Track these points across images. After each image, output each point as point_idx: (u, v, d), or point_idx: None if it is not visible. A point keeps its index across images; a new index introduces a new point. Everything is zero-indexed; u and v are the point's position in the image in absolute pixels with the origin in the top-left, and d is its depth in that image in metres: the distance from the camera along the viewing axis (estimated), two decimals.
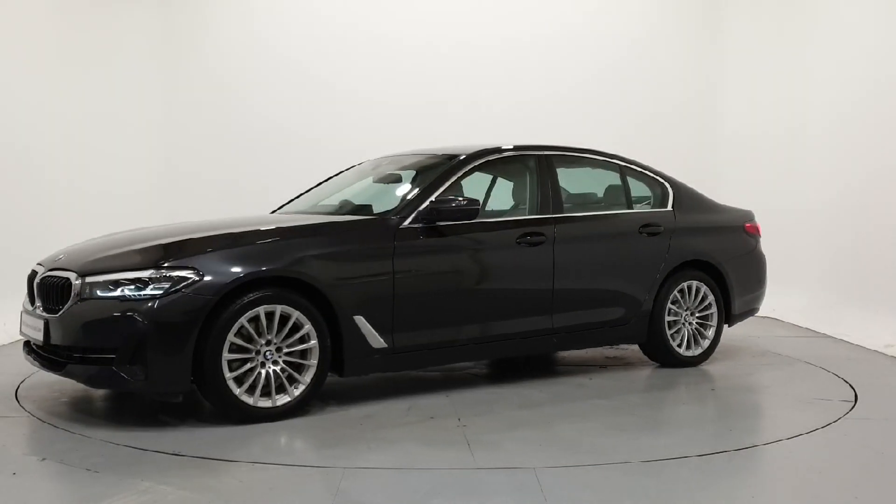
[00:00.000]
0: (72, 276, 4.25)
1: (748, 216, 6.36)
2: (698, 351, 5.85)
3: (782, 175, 8.73)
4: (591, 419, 4.40)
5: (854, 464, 3.83)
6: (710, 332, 5.90)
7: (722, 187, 8.07)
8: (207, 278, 4.07)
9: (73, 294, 4.18)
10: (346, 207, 5.27)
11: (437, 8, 9.19)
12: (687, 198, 6.02)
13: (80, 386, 4.98)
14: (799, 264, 8.11)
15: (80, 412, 4.49)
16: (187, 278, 4.06)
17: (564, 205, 5.42)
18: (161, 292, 4.02)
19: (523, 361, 6.10)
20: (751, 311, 6.28)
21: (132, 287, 4.06)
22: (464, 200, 4.78)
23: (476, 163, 5.22)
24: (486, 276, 5.00)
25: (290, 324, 4.27)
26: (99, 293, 4.10)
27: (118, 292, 4.06)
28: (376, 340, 4.57)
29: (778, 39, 8.97)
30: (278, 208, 5.85)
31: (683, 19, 9.42)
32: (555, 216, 5.29)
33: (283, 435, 4.08)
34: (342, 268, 4.47)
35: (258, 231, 4.48)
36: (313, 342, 4.34)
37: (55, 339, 4.24)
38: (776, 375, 5.63)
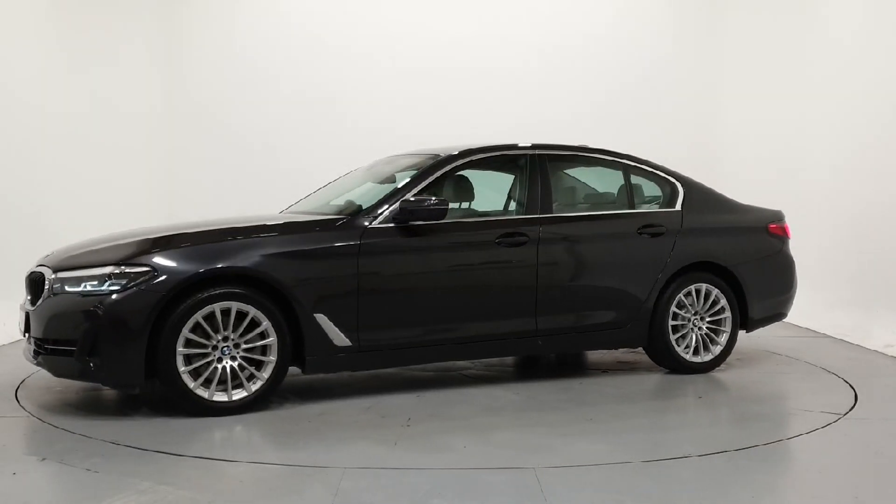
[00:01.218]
0: (47, 271, 4.50)
1: (773, 217, 6.06)
2: (708, 357, 5.59)
3: (781, 175, 8.72)
4: (544, 424, 4.31)
5: (854, 464, 3.83)
6: (723, 338, 5.63)
7: (721, 187, 8.06)
8: (162, 275, 4.25)
9: (45, 289, 4.45)
10: (350, 208, 5.27)
11: (445, 10, 9.21)
12: (700, 197, 5.80)
13: (80, 386, 5.03)
14: (799, 264, 8.11)
15: (80, 412, 4.50)
16: (142, 275, 4.25)
17: (555, 205, 5.35)
18: (118, 288, 4.23)
19: (554, 362, 6.08)
20: (776, 316, 5.99)
21: (94, 283, 4.28)
22: (434, 201, 4.79)
23: (456, 163, 5.19)
24: (460, 276, 4.98)
25: (246, 320, 4.38)
26: (67, 288, 4.35)
27: (81, 288, 4.31)
28: (340, 339, 4.62)
29: (778, 39, 8.97)
30: (287, 208, 5.86)
31: (684, 19, 9.42)
32: (541, 216, 5.21)
33: (221, 429, 4.17)
34: (303, 266, 4.54)
35: (217, 230, 4.65)
36: (271, 339, 4.43)
37: (33, 331, 4.49)
38: (776, 376, 5.62)
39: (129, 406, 4.65)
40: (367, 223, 4.77)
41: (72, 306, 4.30)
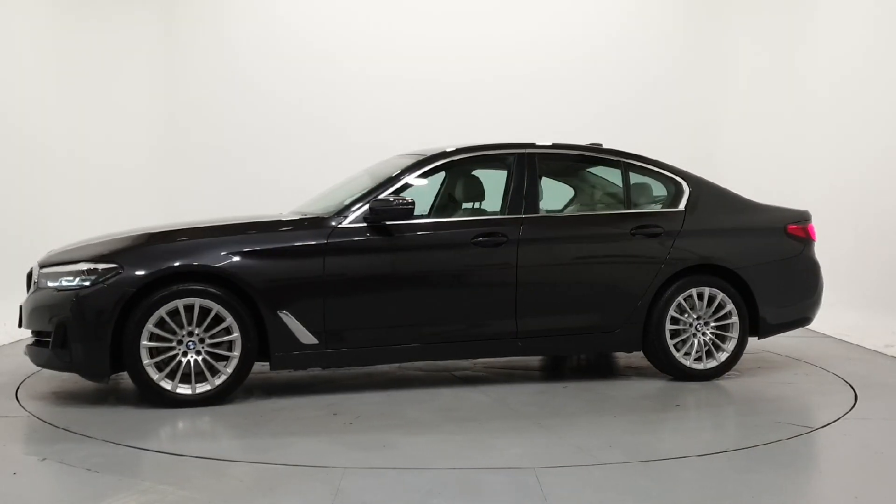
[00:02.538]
0: (36, 267, 4.79)
1: (794, 217, 5.72)
2: (712, 364, 5.31)
3: (781, 175, 8.72)
4: (483, 428, 4.22)
5: (854, 464, 3.83)
6: (730, 345, 5.34)
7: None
8: (126, 273, 4.45)
9: (33, 283, 4.77)
10: None
11: (446, 17, 9.23)
12: (708, 197, 5.52)
13: (80, 386, 5.05)
14: None
15: (80, 412, 4.50)
16: (109, 272, 4.46)
17: (540, 205, 5.26)
18: (88, 284, 4.46)
19: (584, 365, 6.02)
20: (797, 322, 5.67)
21: (69, 278, 4.52)
22: (401, 200, 4.82)
23: (437, 163, 5.18)
24: (432, 276, 4.95)
25: (210, 316, 4.53)
26: (48, 283, 4.60)
27: (58, 283, 4.55)
28: (306, 336, 4.69)
29: (778, 38, 8.98)
30: (297, 207, 5.85)
31: (690, 26, 9.42)
32: (522, 216, 5.12)
33: (182, 420, 4.35)
34: (266, 264, 4.64)
35: (184, 230, 4.83)
36: (235, 335, 4.56)
37: (23, 323, 4.79)
38: (775, 375, 5.61)
39: (129, 406, 4.65)
40: (336, 223, 4.83)
41: (49, 300, 4.54)
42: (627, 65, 9.28)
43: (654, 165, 5.58)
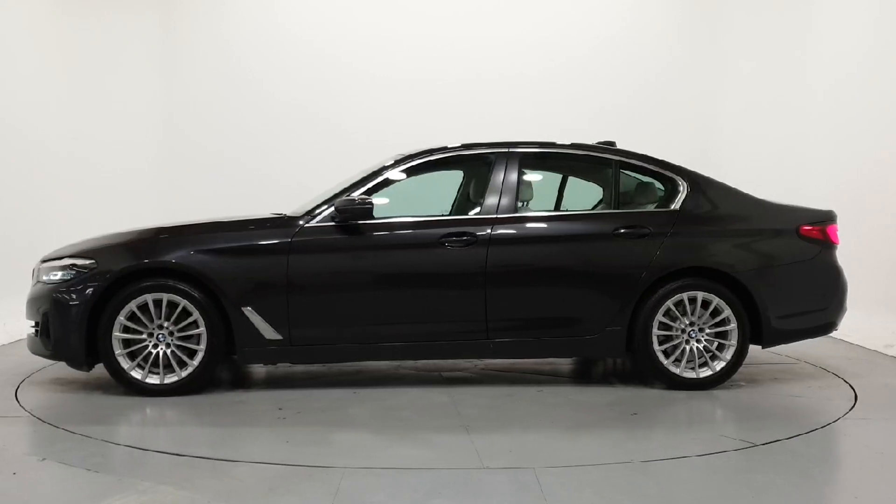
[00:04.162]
0: (38, 263, 5.08)
1: (810, 218, 5.33)
2: (706, 373, 5.00)
3: (780, 174, 8.73)
4: (417, 428, 4.20)
5: (854, 464, 3.83)
6: (728, 353, 5.02)
7: None
8: (100, 268, 4.75)
9: (34, 276, 5.05)
10: None
11: (446, 18, 9.24)
12: (708, 197, 5.22)
13: (80, 386, 5.08)
14: None
15: (80, 412, 4.50)
16: (86, 268, 4.78)
17: (518, 205, 5.13)
18: (69, 278, 4.78)
19: (621, 367, 5.92)
20: (811, 330, 5.28)
21: (56, 273, 4.85)
22: (363, 201, 4.87)
23: (414, 163, 5.17)
24: (398, 275, 4.93)
25: (177, 311, 4.76)
26: (42, 277, 4.91)
27: (48, 277, 4.87)
28: (270, 332, 4.81)
29: (777, 36, 8.98)
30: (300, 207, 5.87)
31: (684, 17, 9.43)
32: (494, 216, 5.02)
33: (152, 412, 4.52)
34: (230, 262, 4.82)
35: (160, 228, 5.10)
36: (201, 329, 4.76)
37: (25, 314, 5.07)
38: (775, 375, 5.61)
39: (130, 407, 4.66)
40: (303, 222, 4.93)
41: (40, 292, 4.87)
42: (628, 63, 9.31)
43: (650, 163, 5.32)
